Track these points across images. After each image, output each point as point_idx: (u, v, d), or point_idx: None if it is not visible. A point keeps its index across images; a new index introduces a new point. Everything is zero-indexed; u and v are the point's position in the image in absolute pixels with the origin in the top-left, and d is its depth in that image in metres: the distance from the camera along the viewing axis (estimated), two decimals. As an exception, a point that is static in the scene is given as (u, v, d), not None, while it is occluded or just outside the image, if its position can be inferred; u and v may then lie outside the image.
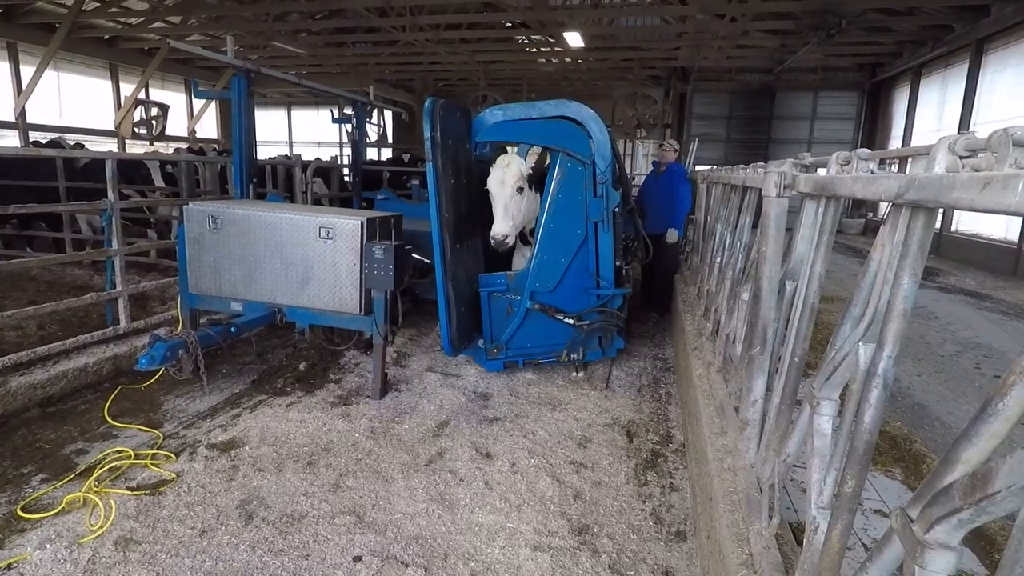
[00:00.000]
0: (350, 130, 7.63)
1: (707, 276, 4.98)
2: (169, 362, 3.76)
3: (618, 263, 4.82)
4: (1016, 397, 0.83)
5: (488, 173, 4.57)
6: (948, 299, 8.53)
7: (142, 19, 16.69)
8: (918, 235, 1.28)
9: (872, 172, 1.56)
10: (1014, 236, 11.21)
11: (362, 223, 4.15)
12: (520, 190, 4.53)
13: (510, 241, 4.49)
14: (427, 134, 3.90)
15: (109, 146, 18.39)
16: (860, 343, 1.46)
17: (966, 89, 13.35)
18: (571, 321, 4.62)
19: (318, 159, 8.62)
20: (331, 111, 7.80)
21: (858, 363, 1.45)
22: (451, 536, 2.87)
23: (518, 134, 4.71)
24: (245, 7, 15.32)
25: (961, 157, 1.11)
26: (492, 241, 4.49)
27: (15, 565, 2.55)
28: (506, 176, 4.46)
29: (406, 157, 13.72)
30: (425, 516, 3.01)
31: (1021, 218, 10.47)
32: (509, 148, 5.54)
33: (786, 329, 2.24)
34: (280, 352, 5.49)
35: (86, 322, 5.98)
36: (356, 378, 4.91)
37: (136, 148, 18.98)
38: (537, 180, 4.71)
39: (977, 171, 1.02)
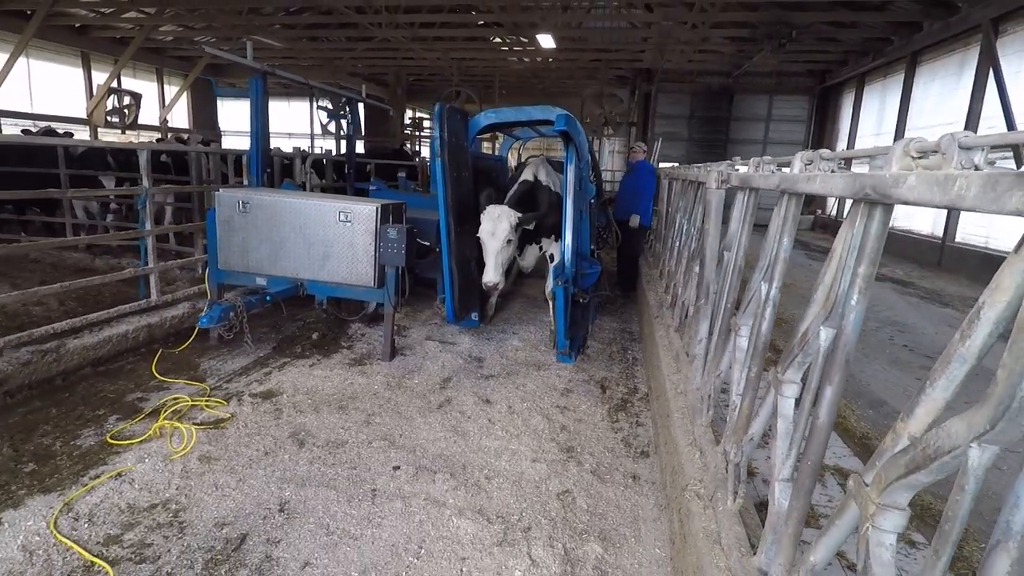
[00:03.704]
0: (344, 124, 8.23)
1: (668, 258, 5.84)
2: (222, 322, 4.40)
3: (592, 247, 5.63)
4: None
5: (481, 166, 5.29)
6: (876, 286, 9.62)
7: (112, 9, 16.77)
8: (792, 212, 2.09)
9: (773, 171, 2.38)
10: (940, 232, 12.49)
11: (377, 209, 4.85)
12: (509, 241, 5.08)
13: (500, 287, 5.14)
14: (436, 134, 4.62)
15: (82, 134, 18.37)
16: (761, 281, 2.27)
17: (902, 97, 14.66)
18: (581, 299, 5.39)
19: (304, 151, 9.19)
20: (314, 105, 8.35)
21: (760, 294, 2.27)
22: (466, 455, 3.63)
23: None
24: (221, 0, 15.59)
25: (804, 165, 1.92)
26: (484, 286, 5.12)
27: (124, 474, 3.21)
28: (497, 229, 4.99)
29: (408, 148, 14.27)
30: (444, 442, 3.77)
31: (945, 214, 11.73)
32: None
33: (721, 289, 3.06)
34: (291, 325, 6.13)
35: (100, 299, 6.48)
36: (365, 345, 5.60)
37: (108, 137, 18.98)
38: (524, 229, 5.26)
39: (812, 174, 1.83)
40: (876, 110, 16.87)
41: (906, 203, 1.15)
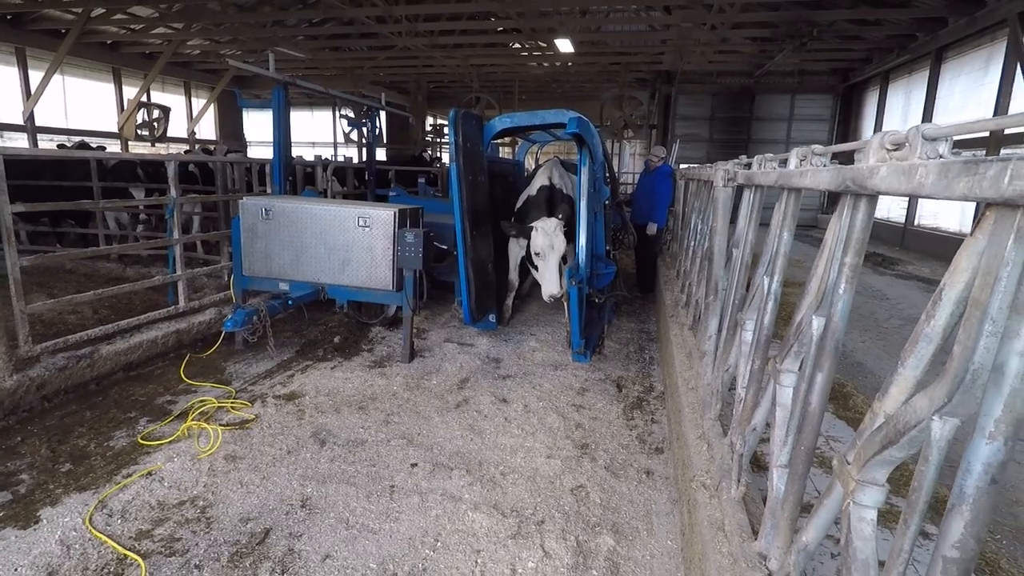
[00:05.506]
0: (365, 132, 8.41)
1: (684, 258, 5.86)
2: (246, 326, 4.55)
3: (608, 247, 5.68)
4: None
5: (497, 170, 5.37)
6: (902, 284, 9.51)
7: (142, 25, 17.33)
8: (791, 207, 2.14)
9: (774, 168, 2.42)
10: (968, 229, 12.23)
11: (395, 214, 4.96)
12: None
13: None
14: (451, 139, 4.73)
15: (113, 147, 18.99)
16: (764, 276, 2.31)
17: (927, 94, 14.41)
18: (596, 299, 5.45)
19: (325, 158, 9.42)
20: (336, 114, 8.55)
21: (763, 289, 2.31)
22: (482, 452, 3.71)
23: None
24: (246, 14, 16.02)
25: (799, 161, 1.96)
26: (548, 299, 5.25)
27: (154, 473, 3.35)
28: (555, 243, 5.17)
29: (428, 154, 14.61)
30: (460, 440, 3.85)
31: (973, 211, 11.49)
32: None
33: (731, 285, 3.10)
34: (314, 329, 6.29)
35: (132, 307, 6.71)
36: (385, 348, 5.72)
37: (139, 149, 19.59)
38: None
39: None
40: (901, 107, 16.59)
41: (880, 193, 1.20)
